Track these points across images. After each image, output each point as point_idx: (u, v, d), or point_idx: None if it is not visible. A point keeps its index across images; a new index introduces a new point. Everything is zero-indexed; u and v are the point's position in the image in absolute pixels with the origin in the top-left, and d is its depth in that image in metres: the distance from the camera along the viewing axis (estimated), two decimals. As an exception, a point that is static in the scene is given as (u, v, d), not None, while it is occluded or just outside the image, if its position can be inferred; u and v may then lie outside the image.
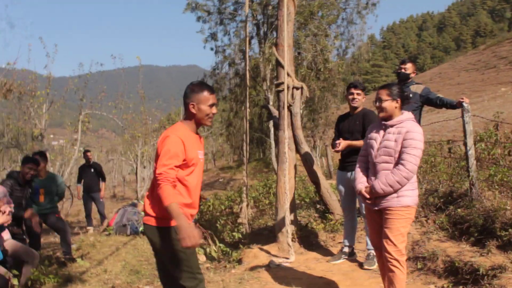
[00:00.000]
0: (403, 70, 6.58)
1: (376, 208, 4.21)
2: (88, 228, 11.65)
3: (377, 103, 4.18)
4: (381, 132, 4.23)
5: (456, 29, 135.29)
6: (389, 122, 4.16)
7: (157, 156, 3.32)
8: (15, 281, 5.53)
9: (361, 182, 4.33)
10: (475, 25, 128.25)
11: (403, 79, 6.63)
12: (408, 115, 4.17)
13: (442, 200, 6.77)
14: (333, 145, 6.09)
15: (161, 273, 3.64)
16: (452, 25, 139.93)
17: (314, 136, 23.52)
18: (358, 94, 5.90)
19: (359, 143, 5.71)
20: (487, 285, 4.36)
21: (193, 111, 3.44)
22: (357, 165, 4.49)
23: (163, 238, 3.33)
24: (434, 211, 6.63)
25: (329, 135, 22.53)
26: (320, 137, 24.24)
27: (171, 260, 3.35)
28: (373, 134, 4.30)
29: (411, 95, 6.10)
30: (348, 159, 5.97)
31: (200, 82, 3.58)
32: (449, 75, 64.67)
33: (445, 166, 8.37)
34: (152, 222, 3.35)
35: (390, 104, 4.13)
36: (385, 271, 4.22)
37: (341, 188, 6.15)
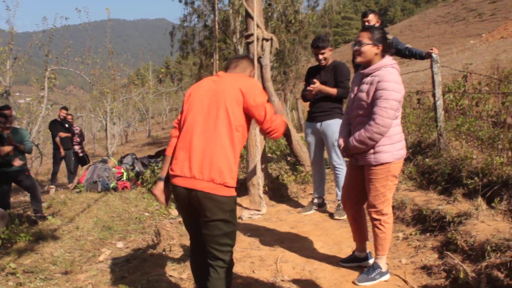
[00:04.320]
0: (366, 23, 6.45)
1: (360, 164, 3.97)
2: (51, 187, 11.52)
3: (356, 46, 3.82)
4: (358, 81, 3.95)
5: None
6: (365, 70, 3.83)
7: (254, 106, 3.11)
8: (-15, 240, 5.50)
9: (340, 137, 4.14)
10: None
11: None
12: (386, 60, 3.78)
13: (410, 150, 6.89)
14: (304, 95, 6.08)
15: (199, 247, 3.36)
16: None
17: (285, 89, 23.48)
18: (322, 54, 5.88)
19: (332, 90, 5.74)
20: (453, 231, 4.47)
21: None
22: (343, 118, 4.27)
23: (230, 208, 3.09)
24: (404, 162, 6.74)
25: (299, 88, 22.51)
26: (291, 90, 24.23)
27: (224, 233, 3.09)
28: (352, 85, 4.05)
29: None
30: (316, 109, 5.98)
31: None
32: (419, 28, 64.93)
33: (414, 117, 8.48)
34: (222, 191, 3.00)
35: (369, 49, 3.77)
36: (352, 223, 4.32)
37: (309, 139, 6.17)
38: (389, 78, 3.63)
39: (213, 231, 3.07)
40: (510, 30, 44.72)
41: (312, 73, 6.11)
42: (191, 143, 3.08)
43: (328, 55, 5.93)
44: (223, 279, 3.11)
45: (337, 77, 5.81)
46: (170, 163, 3.23)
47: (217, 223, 3.04)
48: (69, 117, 13.10)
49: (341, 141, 4.11)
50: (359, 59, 3.86)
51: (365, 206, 4.16)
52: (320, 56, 5.90)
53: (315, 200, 6.31)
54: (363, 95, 3.79)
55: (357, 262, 4.41)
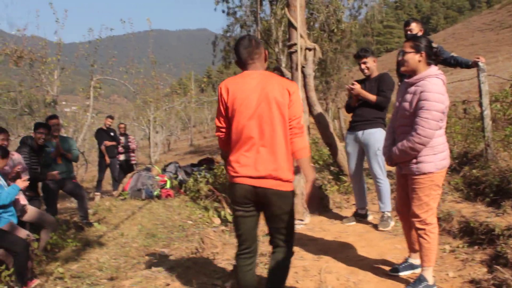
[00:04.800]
0: (409, 32, 6.39)
1: (403, 173, 4.01)
2: (96, 194, 11.74)
3: (400, 57, 3.97)
4: (403, 91, 3.96)
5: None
6: (410, 80, 3.84)
7: (297, 99, 3.37)
8: (35, 245, 5.64)
9: (385, 145, 4.19)
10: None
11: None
12: (431, 70, 3.77)
13: (456, 161, 6.76)
14: (348, 106, 6.09)
15: (270, 234, 3.61)
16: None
17: (327, 99, 23.36)
18: (364, 63, 5.87)
19: (371, 96, 5.72)
20: (503, 244, 4.36)
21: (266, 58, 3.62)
22: (388, 126, 4.27)
23: (292, 200, 3.44)
24: (449, 172, 6.62)
25: (341, 98, 22.41)
26: (333, 99, 24.09)
27: (289, 223, 3.45)
28: (397, 94, 4.08)
29: None
30: (358, 118, 5.95)
31: None
32: (463, 36, 63.71)
33: (459, 127, 8.31)
34: (286, 186, 3.33)
35: (412, 57, 3.81)
36: (408, 230, 4.29)
37: (350, 149, 6.14)
38: (432, 88, 3.64)
39: (279, 223, 3.41)
40: (559, 37, 43.48)
41: (359, 82, 6.09)
42: (252, 145, 3.30)
43: (371, 64, 5.90)
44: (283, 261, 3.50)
45: (379, 86, 5.78)
46: (229, 165, 3.42)
47: (283, 216, 3.38)
48: (122, 126, 13.37)
49: (385, 150, 4.18)
50: (403, 68, 3.93)
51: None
52: (363, 66, 5.90)
53: (358, 211, 6.26)
54: (406, 105, 3.81)
55: (412, 269, 4.37)
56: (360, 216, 6.26)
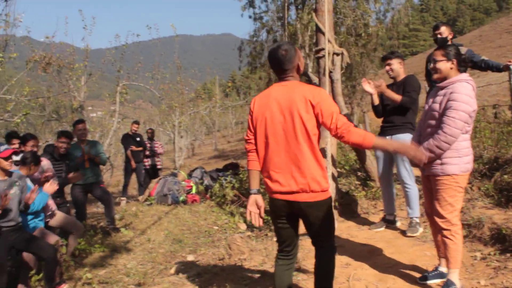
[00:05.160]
0: (438, 36, 6.32)
1: (425, 174, 4.12)
2: (122, 199, 11.82)
3: (432, 64, 4.00)
4: (434, 95, 4.07)
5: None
6: (441, 84, 3.98)
7: (324, 106, 3.25)
8: (63, 250, 5.69)
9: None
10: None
11: (442, 45, 6.38)
12: (462, 76, 3.91)
13: (487, 166, 6.64)
14: (376, 111, 6.05)
15: (312, 239, 3.61)
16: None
17: (352, 103, 23.21)
18: (389, 64, 5.83)
19: (396, 96, 5.67)
20: (537, 253, 4.27)
21: (301, 68, 3.50)
22: (413, 137, 4.39)
23: (328, 206, 3.43)
24: (479, 178, 6.51)
25: (366, 101, 22.20)
26: (358, 103, 23.94)
27: (323, 224, 3.44)
28: (428, 99, 4.16)
29: None
30: (388, 123, 5.90)
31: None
32: (490, 38, 62.75)
33: (489, 132, 8.17)
34: (318, 197, 3.33)
35: (444, 65, 3.93)
36: (438, 237, 4.19)
37: (379, 154, 6.11)
38: (461, 90, 3.78)
39: (318, 229, 3.44)
40: None
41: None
42: (279, 160, 3.33)
43: (397, 66, 5.84)
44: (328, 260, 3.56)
45: (405, 87, 5.72)
46: (264, 180, 3.48)
47: (321, 222, 3.39)
48: (150, 131, 13.47)
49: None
50: (436, 76, 4.03)
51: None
52: (387, 67, 5.88)
53: (387, 217, 6.18)
54: (436, 106, 3.93)
55: (441, 277, 4.28)
56: (389, 222, 6.18)
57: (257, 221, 3.53)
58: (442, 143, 3.78)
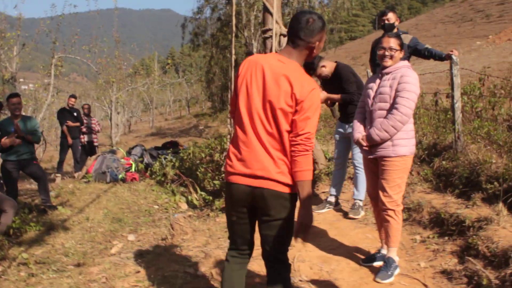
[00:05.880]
0: (386, 22, 6.37)
1: (371, 157, 4.16)
2: (57, 175, 11.45)
3: (388, 51, 4.01)
4: (377, 80, 4.17)
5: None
6: (385, 70, 4.09)
7: (303, 111, 2.71)
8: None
9: (358, 131, 4.25)
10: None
11: (389, 31, 6.44)
12: (404, 62, 4.11)
13: (426, 152, 6.83)
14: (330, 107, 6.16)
15: (266, 245, 2.98)
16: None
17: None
18: (319, 74, 5.87)
19: (336, 97, 5.78)
20: (474, 236, 4.42)
21: (316, 51, 2.93)
22: (355, 116, 4.41)
23: (291, 205, 2.86)
24: (418, 163, 6.70)
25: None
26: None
27: (286, 229, 2.89)
28: (370, 84, 4.24)
29: None
30: (348, 110, 5.91)
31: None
32: (426, 27, 64.75)
33: (428, 119, 8.42)
34: (285, 189, 2.78)
35: (398, 55, 4.06)
36: (381, 221, 4.26)
37: (337, 136, 6.14)
38: (410, 74, 3.95)
39: (276, 229, 2.88)
40: (518, 32, 44.58)
41: (322, 82, 6.10)
42: (249, 140, 2.82)
43: (327, 70, 5.85)
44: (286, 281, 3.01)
45: (340, 81, 5.76)
46: (229, 158, 2.94)
47: (280, 222, 2.86)
48: (86, 106, 13.06)
49: (358, 135, 4.24)
50: (390, 63, 4.08)
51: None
52: (323, 75, 5.87)
53: (330, 198, 6.23)
54: (386, 89, 4.01)
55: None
56: (331, 204, 6.25)
57: None
58: (398, 122, 3.86)
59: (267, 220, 2.89)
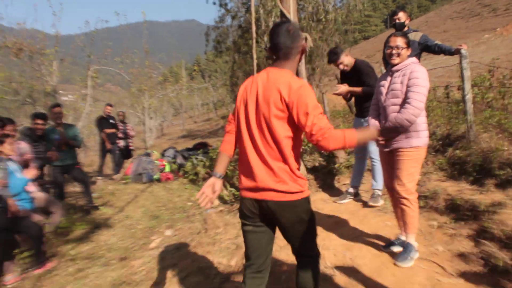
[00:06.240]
0: (397, 21, 6.37)
1: (386, 150, 4.18)
2: (98, 178, 11.63)
3: (395, 50, 4.06)
4: (389, 78, 4.16)
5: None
6: (395, 68, 4.09)
7: (298, 107, 2.60)
8: (47, 229, 5.59)
9: (373, 125, 4.26)
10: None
11: (400, 29, 6.44)
12: (412, 59, 4.09)
13: (440, 142, 6.76)
14: (344, 97, 6.12)
15: (291, 245, 2.96)
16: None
17: (311, 84, 23.30)
18: (341, 63, 5.84)
19: (357, 89, 5.72)
20: (488, 220, 4.39)
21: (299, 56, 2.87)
22: (370, 113, 4.40)
23: (302, 209, 2.79)
24: (433, 153, 6.63)
25: (325, 83, 22.33)
26: (317, 85, 24.06)
27: (305, 231, 2.86)
28: (382, 82, 4.24)
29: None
30: (361, 106, 5.92)
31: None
32: (435, 23, 63.81)
33: (440, 110, 8.32)
34: (288, 197, 2.72)
35: (406, 52, 4.06)
36: (398, 209, 4.25)
37: None
38: (420, 69, 3.92)
39: (292, 233, 2.85)
40: (524, 24, 43.71)
41: (342, 76, 6.07)
42: (250, 154, 2.77)
43: (346, 61, 5.83)
44: (309, 272, 2.96)
45: (360, 76, 5.74)
46: (239, 176, 2.87)
47: (296, 226, 2.81)
48: (121, 113, 13.21)
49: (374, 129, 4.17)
50: (397, 60, 4.09)
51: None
52: (341, 66, 5.87)
53: (350, 190, 6.23)
54: (397, 86, 4.00)
55: (403, 246, 4.36)
56: (352, 195, 6.25)
57: (204, 203, 2.89)
58: (411, 115, 3.84)
59: (283, 228, 2.84)
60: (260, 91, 2.74)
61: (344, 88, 5.79)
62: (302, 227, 2.83)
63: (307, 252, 2.96)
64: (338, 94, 5.90)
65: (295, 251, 2.98)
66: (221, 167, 2.99)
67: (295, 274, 3.01)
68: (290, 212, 2.75)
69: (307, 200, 2.82)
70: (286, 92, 2.62)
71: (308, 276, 2.95)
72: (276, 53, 2.82)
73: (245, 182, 2.79)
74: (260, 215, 2.83)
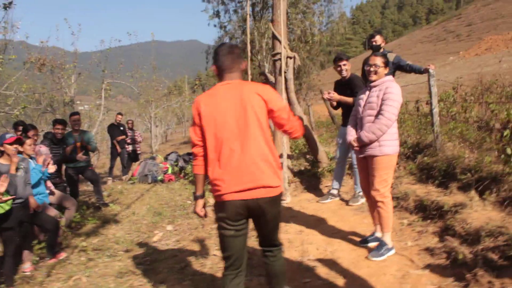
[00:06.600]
0: (374, 43, 6.36)
1: (361, 156, 4.15)
2: (108, 178, 11.57)
3: (373, 68, 4.04)
4: (367, 92, 4.15)
5: (413, 8, 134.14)
6: (373, 84, 4.08)
7: (278, 107, 2.77)
8: (62, 223, 5.54)
9: (351, 134, 4.25)
10: (429, 4, 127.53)
11: (376, 50, 6.42)
12: (389, 77, 4.09)
13: (410, 150, 6.78)
14: (335, 108, 6.10)
15: (263, 237, 2.92)
16: (410, 4, 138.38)
17: (298, 98, 23.31)
18: (344, 65, 5.77)
19: (349, 99, 5.65)
20: (451, 219, 4.38)
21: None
22: (349, 123, 4.39)
23: (279, 203, 2.81)
24: (404, 159, 6.64)
25: (311, 97, 22.40)
26: (304, 98, 24.14)
27: (279, 219, 2.88)
28: (361, 95, 4.23)
29: None
30: (347, 115, 5.89)
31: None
32: (407, 47, 64.33)
33: (410, 122, 8.36)
34: (275, 192, 2.71)
35: (383, 71, 4.05)
36: (374, 210, 4.25)
37: (339, 140, 6.10)
38: (394, 85, 3.96)
39: (272, 226, 2.83)
40: (483, 48, 44.17)
41: (337, 86, 6.03)
42: (234, 158, 2.66)
43: (348, 67, 5.80)
44: (282, 258, 2.99)
45: (353, 88, 5.70)
46: (214, 184, 2.70)
47: (275, 220, 2.82)
48: (130, 122, 13.13)
49: (351, 137, 4.23)
50: (375, 77, 4.09)
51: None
52: (343, 67, 5.74)
53: (333, 191, 6.22)
54: (374, 99, 4.00)
55: (378, 241, 4.34)
56: (333, 196, 6.23)
57: (202, 215, 2.98)
58: (383, 126, 3.85)
59: (265, 223, 2.79)
60: (234, 98, 2.71)
61: (336, 96, 5.76)
62: (279, 218, 2.87)
63: (279, 242, 2.97)
64: (330, 98, 5.79)
65: (267, 243, 2.92)
66: (201, 188, 2.95)
67: (268, 265, 2.95)
68: (275, 206, 2.74)
69: (282, 193, 2.83)
70: (262, 91, 2.74)
71: (282, 263, 2.98)
72: (228, 71, 2.84)
73: (231, 185, 2.64)
74: (247, 215, 2.73)
